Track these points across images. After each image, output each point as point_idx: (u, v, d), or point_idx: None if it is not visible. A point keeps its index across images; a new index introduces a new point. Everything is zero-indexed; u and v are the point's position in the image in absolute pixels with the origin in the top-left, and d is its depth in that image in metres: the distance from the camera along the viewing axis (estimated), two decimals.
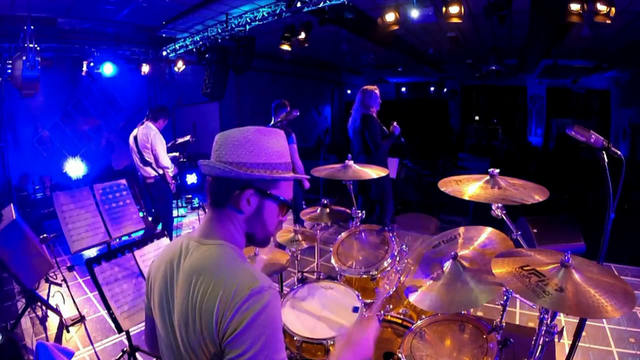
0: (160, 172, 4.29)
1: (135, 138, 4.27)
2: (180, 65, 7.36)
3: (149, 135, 4.20)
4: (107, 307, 1.72)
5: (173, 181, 4.54)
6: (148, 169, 4.23)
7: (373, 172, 2.37)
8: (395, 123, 3.93)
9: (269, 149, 0.95)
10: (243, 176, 0.92)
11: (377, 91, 3.96)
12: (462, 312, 1.62)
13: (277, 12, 5.34)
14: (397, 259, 2.01)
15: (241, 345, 0.78)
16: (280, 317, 0.84)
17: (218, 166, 0.93)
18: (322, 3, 4.81)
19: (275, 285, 0.88)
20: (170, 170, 4.42)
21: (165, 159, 4.28)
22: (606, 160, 1.47)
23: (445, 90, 14.20)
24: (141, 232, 3.53)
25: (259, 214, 0.96)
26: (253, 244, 1.02)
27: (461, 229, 1.84)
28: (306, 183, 4.20)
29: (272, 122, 4.11)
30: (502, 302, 1.67)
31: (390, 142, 3.89)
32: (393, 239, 2.12)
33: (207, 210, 0.99)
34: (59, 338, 2.80)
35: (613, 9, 3.85)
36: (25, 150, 6.20)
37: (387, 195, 4.04)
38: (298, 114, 3.89)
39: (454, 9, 4.41)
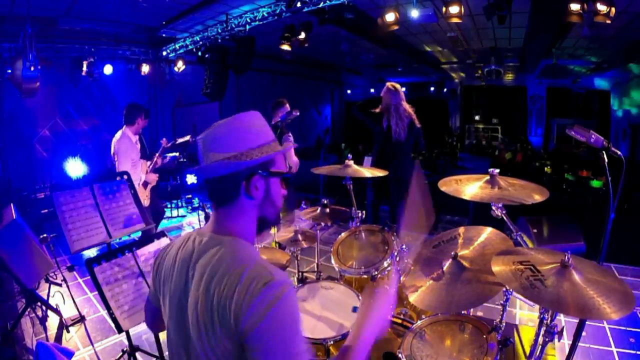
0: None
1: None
2: (180, 65, 7.35)
3: (114, 142, 3.78)
4: (107, 307, 1.72)
5: (147, 195, 3.95)
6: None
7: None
8: None
9: (257, 130, 0.98)
10: (247, 165, 0.92)
11: None
12: (462, 312, 1.62)
13: (277, 12, 5.34)
14: (397, 259, 2.01)
15: (259, 341, 0.79)
16: (298, 310, 0.84)
17: (219, 164, 0.92)
18: (322, 3, 4.81)
19: (291, 281, 0.87)
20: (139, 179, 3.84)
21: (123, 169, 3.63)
22: (606, 160, 1.48)
23: (445, 90, 14.21)
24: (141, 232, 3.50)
25: (267, 194, 0.98)
26: (266, 226, 1.02)
27: (461, 229, 1.84)
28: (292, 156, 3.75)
29: (273, 123, 4.08)
30: (502, 302, 1.68)
31: None
32: (393, 239, 2.12)
33: (212, 210, 0.99)
34: (59, 338, 2.80)
35: (613, 9, 3.85)
36: (25, 150, 6.19)
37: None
38: (298, 113, 3.87)
39: (454, 9, 4.41)
